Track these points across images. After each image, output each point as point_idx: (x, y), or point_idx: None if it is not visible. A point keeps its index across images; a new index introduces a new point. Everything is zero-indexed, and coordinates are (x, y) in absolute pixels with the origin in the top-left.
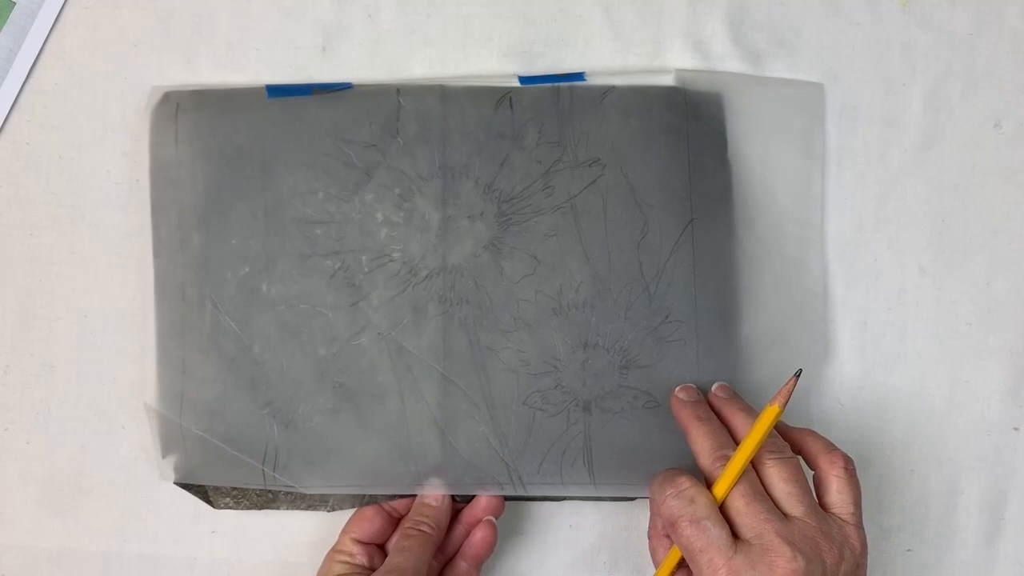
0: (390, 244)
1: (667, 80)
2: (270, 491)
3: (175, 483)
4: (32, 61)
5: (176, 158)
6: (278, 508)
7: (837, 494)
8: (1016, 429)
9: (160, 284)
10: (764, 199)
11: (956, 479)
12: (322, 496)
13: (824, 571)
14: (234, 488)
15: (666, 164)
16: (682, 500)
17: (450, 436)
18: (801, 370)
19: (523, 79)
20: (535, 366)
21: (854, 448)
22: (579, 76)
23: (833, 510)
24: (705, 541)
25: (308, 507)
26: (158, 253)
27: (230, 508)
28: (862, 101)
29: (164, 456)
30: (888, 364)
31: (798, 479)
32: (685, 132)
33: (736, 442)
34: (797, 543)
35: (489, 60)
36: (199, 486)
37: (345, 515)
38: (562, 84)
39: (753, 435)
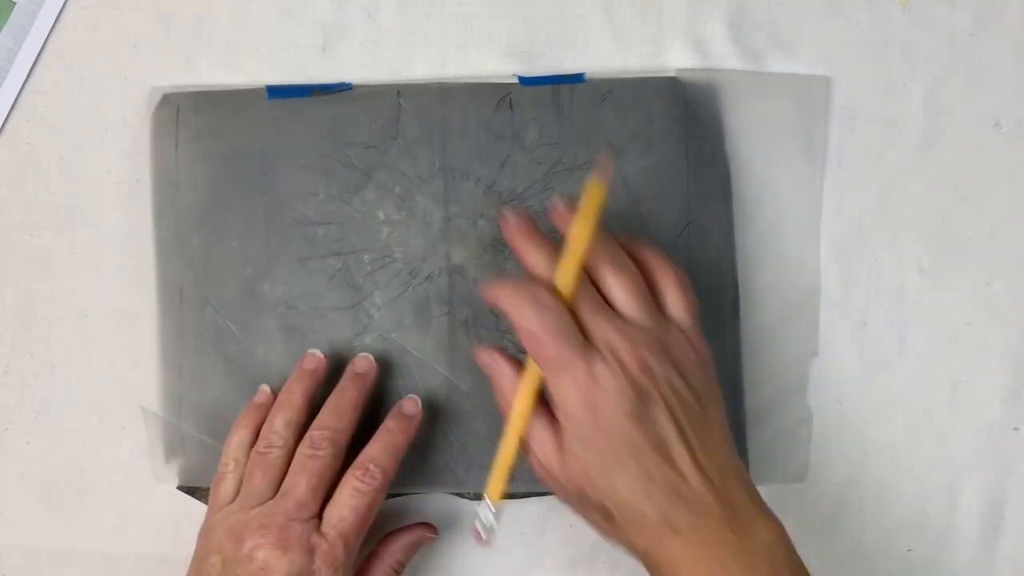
0: (391, 245)
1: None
2: None
3: (177, 488)
4: (32, 61)
5: (177, 161)
6: None
7: (672, 305)
8: (1016, 429)
9: (162, 287)
10: (764, 198)
11: (956, 479)
12: None
13: (676, 367)
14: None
15: (664, 167)
16: (540, 309)
17: (453, 436)
18: (612, 142)
19: (523, 79)
20: None
21: (854, 448)
22: (579, 77)
23: (671, 319)
24: (566, 352)
25: None
26: (159, 255)
27: None
28: (862, 101)
29: (167, 460)
30: (888, 364)
31: (638, 288)
32: (684, 133)
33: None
34: (643, 342)
35: (489, 60)
36: (204, 489)
37: None
38: (562, 85)
39: (586, 214)
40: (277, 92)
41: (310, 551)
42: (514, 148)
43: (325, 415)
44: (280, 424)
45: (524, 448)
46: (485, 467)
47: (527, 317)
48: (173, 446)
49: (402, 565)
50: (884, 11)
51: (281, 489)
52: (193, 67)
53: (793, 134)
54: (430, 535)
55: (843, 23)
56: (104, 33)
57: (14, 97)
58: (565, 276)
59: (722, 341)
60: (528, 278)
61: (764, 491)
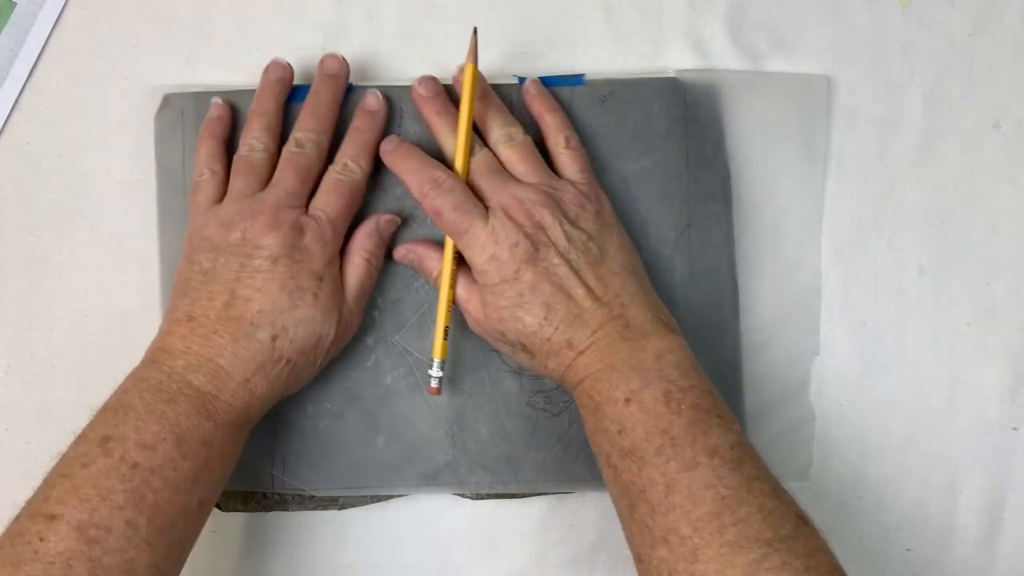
0: (392, 246)
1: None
2: (278, 493)
3: None
4: (33, 61)
5: (182, 163)
6: (287, 510)
7: (565, 169)
8: (1015, 429)
9: (165, 289)
10: (764, 198)
11: (955, 479)
12: (331, 496)
13: (566, 215)
14: (243, 491)
15: (665, 168)
16: (442, 191)
17: (456, 436)
18: (476, 28)
19: (523, 80)
20: None
21: (854, 448)
22: (579, 78)
23: (566, 178)
24: (468, 221)
25: (317, 507)
26: (163, 258)
27: (239, 511)
28: (862, 101)
29: None
30: (887, 364)
31: (530, 156)
32: (684, 133)
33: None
34: (533, 201)
35: (489, 61)
36: None
37: (353, 512)
38: (562, 87)
39: (464, 99)
40: None
41: (300, 229)
42: None
43: (304, 119)
44: (259, 129)
45: (459, 308)
46: (487, 468)
47: (429, 197)
48: None
49: (373, 255)
50: (884, 11)
51: (271, 183)
52: (193, 67)
53: (793, 134)
54: (387, 217)
55: (843, 23)
56: (104, 33)
57: (15, 97)
58: (457, 152)
59: (722, 341)
60: (426, 159)
61: None
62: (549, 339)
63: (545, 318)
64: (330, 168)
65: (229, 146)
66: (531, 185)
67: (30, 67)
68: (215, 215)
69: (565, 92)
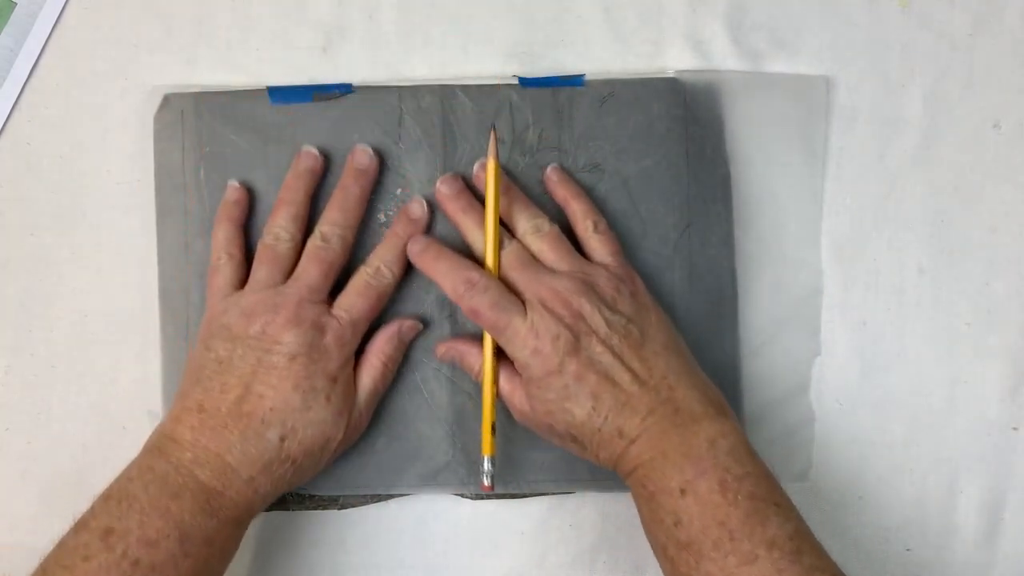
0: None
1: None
2: None
3: None
4: (33, 61)
5: (181, 164)
6: (287, 510)
7: (595, 253)
8: (1015, 429)
9: (164, 289)
10: (764, 198)
11: (955, 479)
12: (331, 496)
13: (603, 301)
14: None
15: (665, 168)
16: (478, 291)
17: (458, 437)
18: (494, 125)
19: (523, 80)
20: None
21: (854, 448)
22: (579, 79)
23: (597, 262)
24: (506, 317)
25: (317, 507)
26: (162, 258)
27: None
28: (862, 101)
29: None
30: (887, 364)
31: (560, 245)
32: (685, 133)
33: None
34: (568, 289)
35: (489, 61)
36: None
37: (353, 512)
38: (562, 88)
39: (490, 195)
40: (278, 95)
41: (321, 328)
42: (514, 151)
43: (332, 212)
44: (286, 219)
45: (503, 402)
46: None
47: (465, 298)
48: None
49: (391, 358)
50: (884, 11)
51: (294, 275)
52: (194, 67)
53: (793, 134)
54: (410, 323)
55: (843, 23)
56: (104, 33)
57: (15, 97)
58: (487, 250)
59: (722, 341)
60: (458, 259)
61: None
62: (599, 429)
63: (593, 408)
64: (362, 269)
65: (246, 229)
66: (565, 273)
67: (30, 67)
68: (236, 303)
69: (565, 92)
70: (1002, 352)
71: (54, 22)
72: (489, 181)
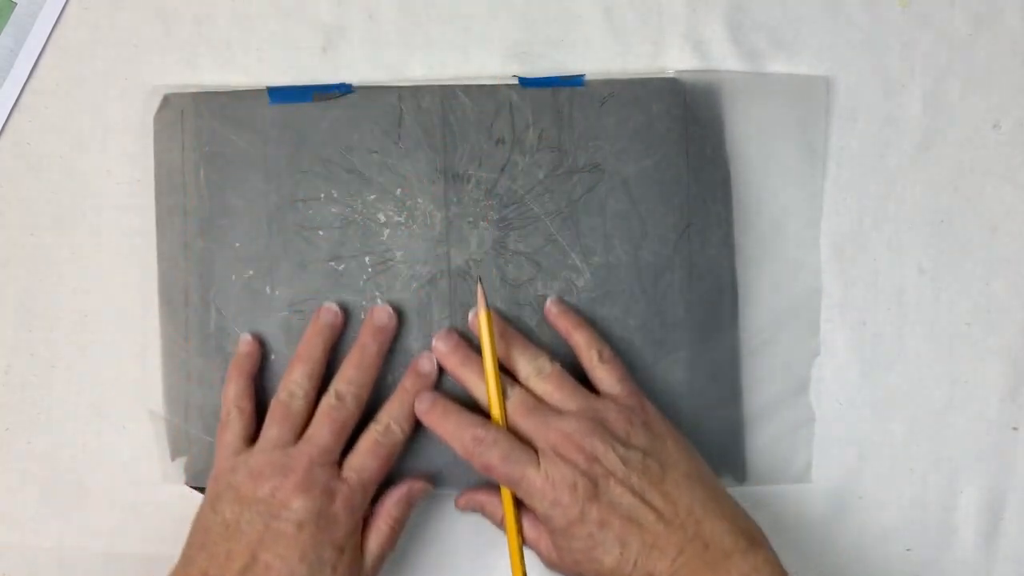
0: (392, 247)
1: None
2: None
3: (192, 487)
4: (33, 61)
5: (181, 164)
6: None
7: (603, 383)
8: (1015, 429)
9: (164, 289)
10: (764, 198)
11: (955, 479)
12: None
13: (616, 437)
14: None
15: (665, 168)
16: (486, 447)
17: None
18: (480, 277)
19: (523, 81)
20: None
21: (854, 448)
22: (579, 79)
23: (606, 396)
24: (519, 470)
25: None
26: (162, 258)
27: None
28: (862, 101)
29: (172, 460)
30: (887, 364)
31: (564, 383)
32: (684, 134)
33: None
34: (581, 430)
35: (489, 61)
36: None
37: None
38: (562, 88)
39: (486, 347)
40: (278, 95)
41: (331, 494)
42: (514, 151)
43: (349, 369)
44: (302, 376)
45: (530, 549)
46: None
47: (476, 455)
48: (179, 447)
49: (399, 521)
50: (884, 11)
51: (304, 436)
52: (193, 67)
53: (793, 134)
54: (420, 486)
55: (843, 23)
56: (104, 33)
57: (15, 97)
58: (491, 402)
59: (722, 341)
60: (464, 415)
61: (765, 491)
62: (629, 575)
63: (621, 554)
64: (371, 426)
65: (257, 382)
66: (573, 414)
67: (30, 67)
68: (245, 463)
69: (565, 92)
70: (1002, 352)
71: (54, 22)
72: (483, 333)
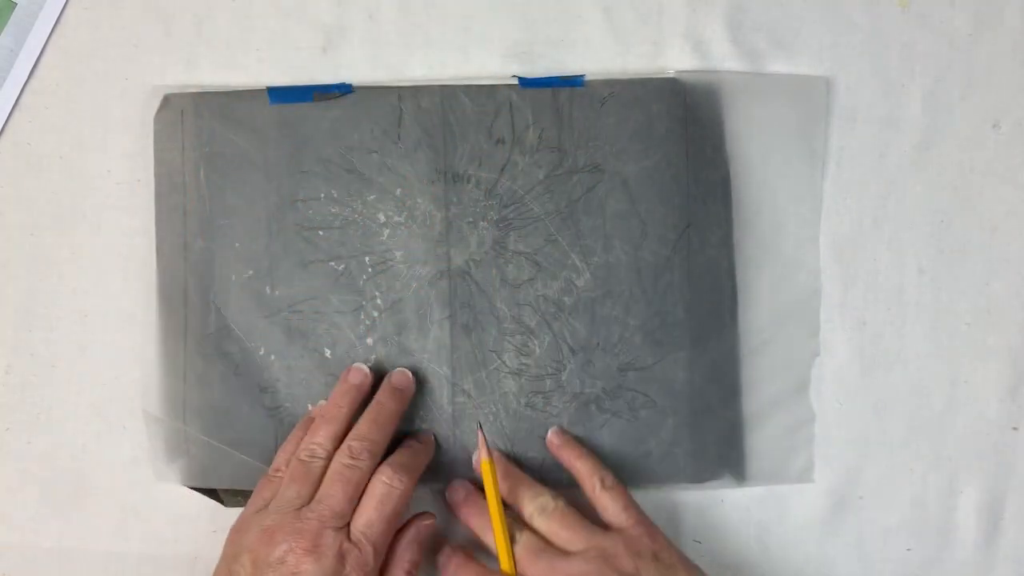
0: (392, 247)
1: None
2: None
3: (193, 488)
4: (33, 62)
5: (181, 164)
6: None
7: (607, 511)
8: (1015, 429)
9: (163, 289)
10: (764, 199)
11: (955, 479)
12: None
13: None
14: (245, 490)
15: (664, 169)
16: None
17: (457, 437)
18: (480, 423)
19: (523, 81)
20: (537, 368)
21: (853, 448)
22: (579, 79)
23: (611, 525)
24: None
25: None
26: (161, 258)
27: (241, 506)
28: (862, 101)
29: (169, 461)
30: (887, 364)
31: (569, 521)
32: (684, 134)
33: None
34: (589, 572)
35: (489, 61)
36: (224, 490)
37: None
38: (562, 88)
39: (490, 496)
40: (278, 95)
41: (342, 557)
42: (514, 151)
43: (364, 426)
44: (325, 437)
45: None
46: None
47: None
48: (176, 447)
49: (415, 564)
50: (884, 11)
51: (317, 496)
52: (193, 67)
53: (793, 134)
54: (427, 523)
55: (843, 23)
56: (105, 33)
57: (15, 97)
58: (499, 550)
59: (721, 341)
60: (477, 569)
61: (765, 492)
62: None
63: None
64: (375, 478)
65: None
66: (579, 555)
67: (30, 67)
68: (259, 522)
69: (565, 92)
70: (1002, 352)
71: (54, 22)
72: (487, 481)
